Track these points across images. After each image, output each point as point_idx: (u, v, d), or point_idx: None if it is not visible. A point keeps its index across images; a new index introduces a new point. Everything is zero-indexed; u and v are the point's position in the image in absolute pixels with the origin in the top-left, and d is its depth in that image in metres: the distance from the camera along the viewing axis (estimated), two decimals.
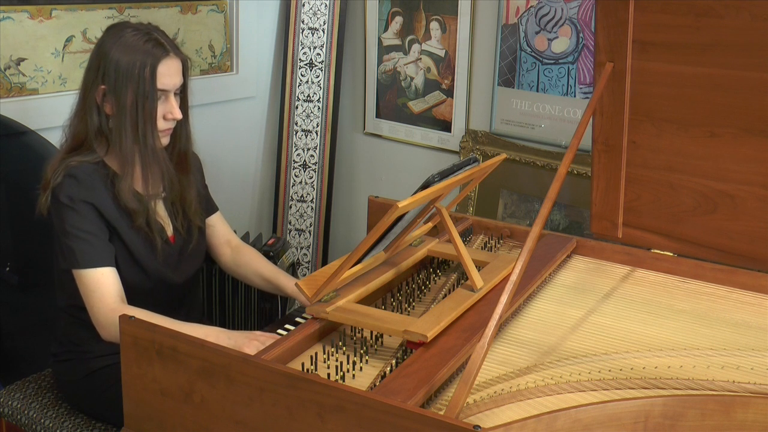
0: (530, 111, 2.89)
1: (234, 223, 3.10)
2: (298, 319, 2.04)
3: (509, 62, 2.90)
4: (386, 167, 3.39)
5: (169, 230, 2.05)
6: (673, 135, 1.89)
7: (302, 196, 3.41)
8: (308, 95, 3.34)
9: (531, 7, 2.81)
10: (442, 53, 3.09)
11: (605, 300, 1.83)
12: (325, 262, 3.45)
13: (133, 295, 1.92)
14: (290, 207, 3.43)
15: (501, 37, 2.90)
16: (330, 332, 1.67)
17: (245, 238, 2.60)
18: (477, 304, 1.69)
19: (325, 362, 1.56)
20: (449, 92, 3.10)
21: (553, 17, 2.78)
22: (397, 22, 3.19)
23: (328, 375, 1.49)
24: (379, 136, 3.36)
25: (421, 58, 3.16)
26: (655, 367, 1.51)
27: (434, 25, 3.09)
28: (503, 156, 1.92)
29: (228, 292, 2.49)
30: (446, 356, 1.48)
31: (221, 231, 2.25)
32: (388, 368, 1.51)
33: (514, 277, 1.41)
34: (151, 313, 1.84)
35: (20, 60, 2.57)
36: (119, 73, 1.87)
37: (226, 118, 3.27)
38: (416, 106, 3.22)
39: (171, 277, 2.03)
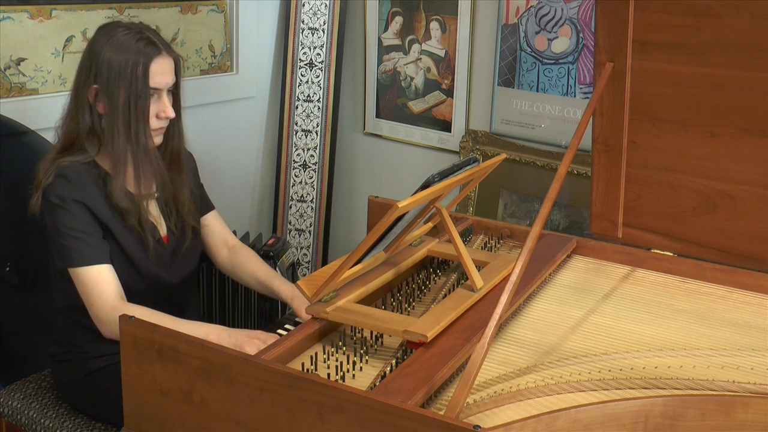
0: (530, 111, 2.89)
1: (234, 223, 3.11)
2: (297, 319, 2.04)
3: (509, 62, 2.90)
4: (386, 167, 3.39)
5: (163, 230, 2.05)
6: (673, 135, 1.89)
7: (302, 196, 3.41)
8: (308, 95, 3.34)
9: (531, 7, 2.81)
10: (442, 53, 3.09)
11: (605, 300, 1.83)
12: (325, 262, 3.45)
13: (127, 295, 1.92)
14: (290, 207, 3.43)
15: (501, 37, 2.90)
16: (330, 332, 1.67)
17: (245, 238, 2.60)
18: (477, 304, 1.69)
19: (325, 362, 1.56)
20: (449, 92, 3.10)
21: (553, 17, 2.78)
22: (397, 22, 3.19)
23: (328, 375, 1.49)
24: (379, 136, 3.36)
25: (421, 58, 3.16)
26: (655, 367, 1.51)
27: (434, 25, 3.09)
28: (503, 156, 1.92)
29: (228, 292, 2.49)
30: (446, 356, 1.48)
31: (217, 230, 2.23)
32: (388, 368, 1.51)
33: (514, 277, 1.41)
34: (151, 311, 1.84)
35: (20, 60, 2.57)
36: (112, 73, 1.87)
37: (226, 118, 3.27)
38: (416, 106, 3.22)
39: (165, 277, 2.03)
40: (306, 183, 3.40)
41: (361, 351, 1.59)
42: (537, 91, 2.86)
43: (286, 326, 2.01)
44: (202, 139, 3.16)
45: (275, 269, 2.39)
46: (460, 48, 3.02)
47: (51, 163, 1.93)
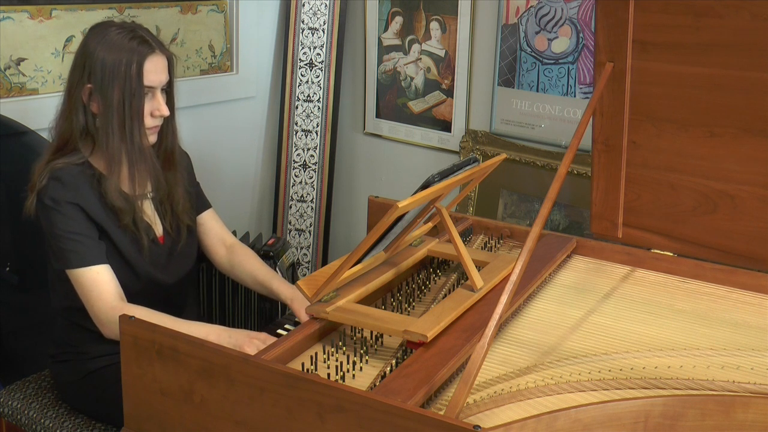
0: (530, 111, 2.89)
1: (234, 223, 3.11)
2: (297, 320, 2.04)
3: (509, 62, 2.90)
4: (386, 167, 3.39)
5: (159, 230, 2.05)
6: (673, 135, 1.89)
7: (302, 196, 3.41)
8: (308, 95, 3.34)
9: (531, 7, 2.81)
10: (442, 53, 3.09)
11: (605, 300, 1.83)
12: (325, 262, 3.45)
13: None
14: (290, 207, 3.43)
15: (501, 37, 2.90)
16: (330, 332, 1.67)
17: (245, 238, 2.60)
18: (477, 304, 1.69)
19: (325, 362, 1.56)
20: (449, 92, 3.10)
21: (553, 17, 2.78)
22: (397, 22, 3.19)
23: (328, 375, 1.49)
24: (379, 136, 3.36)
25: (421, 58, 3.16)
26: (655, 367, 1.51)
27: (434, 25, 3.09)
28: (503, 156, 1.92)
29: (228, 292, 2.49)
30: (446, 356, 1.48)
31: (213, 229, 2.22)
32: (388, 368, 1.51)
33: (514, 277, 1.41)
34: (151, 311, 1.84)
35: (20, 60, 2.57)
36: (105, 72, 1.87)
37: (226, 118, 3.27)
38: (416, 106, 3.22)
39: (161, 277, 2.02)
40: (306, 183, 3.40)
41: (361, 351, 1.59)
42: (537, 91, 2.86)
43: (286, 326, 2.00)
44: (202, 139, 3.16)
45: (275, 269, 2.39)
46: (460, 48, 3.02)
47: (45, 164, 1.92)
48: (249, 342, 1.73)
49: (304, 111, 3.35)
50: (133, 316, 1.49)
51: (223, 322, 2.51)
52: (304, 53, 3.32)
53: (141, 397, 1.49)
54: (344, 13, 3.30)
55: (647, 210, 1.99)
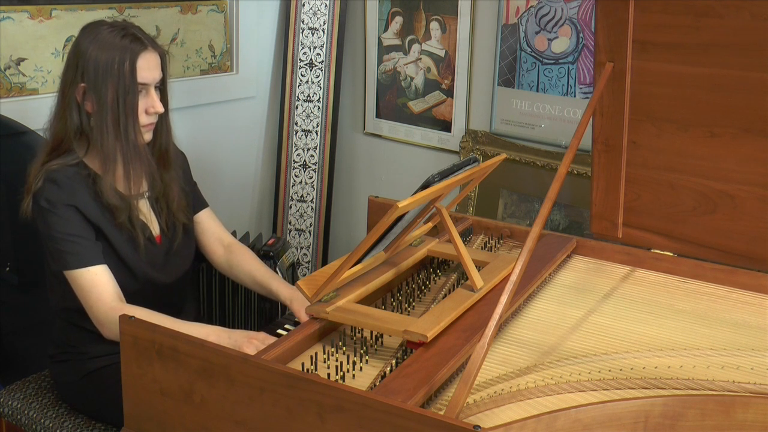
0: (530, 111, 2.89)
1: (234, 223, 3.11)
2: (297, 320, 2.04)
3: (509, 62, 2.90)
4: (386, 167, 3.39)
5: (155, 230, 2.04)
6: (673, 135, 1.89)
7: (302, 196, 3.41)
8: (308, 95, 3.34)
9: (531, 7, 2.81)
10: (442, 53, 3.09)
11: (605, 300, 1.83)
12: (325, 262, 3.45)
13: None
14: (290, 207, 3.43)
15: (501, 37, 2.90)
16: (330, 332, 1.67)
17: (245, 238, 2.60)
18: (477, 304, 1.69)
19: (325, 362, 1.56)
20: (449, 92, 3.10)
21: (553, 17, 2.78)
22: (397, 22, 3.19)
23: (328, 375, 1.49)
24: (379, 136, 3.36)
25: (421, 58, 3.16)
26: (655, 367, 1.51)
27: (434, 25, 3.09)
28: (503, 156, 1.92)
29: (228, 292, 2.49)
30: (446, 356, 1.48)
31: (211, 228, 2.22)
32: (388, 368, 1.51)
33: (514, 277, 1.41)
34: (151, 312, 1.84)
35: (20, 60, 2.57)
36: (99, 70, 1.87)
37: (226, 118, 3.27)
38: (416, 106, 3.22)
39: (158, 277, 2.02)
40: (306, 183, 3.40)
41: (361, 351, 1.59)
42: (537, 91, 2.86)
43: (286, 326, 2.01)
44: (202, 139, 3.17)
45: (275, 269, 2.39)
46: (460, 48, 3.02)
47: (40, 166, 1.92)
48: (248, 342, 1.73)
49: (304, 111, 3.35)
50: (133, 317, 1.49)
51: (222, 323, 2.51)
52: (304, 53, 3.32)
53: (141, 397, 1.49)
54: (344, 13, 3.30)
55: (647, 210, 1.99)
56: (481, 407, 1.38)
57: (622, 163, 1.97)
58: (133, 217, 1.96)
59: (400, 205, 1.45)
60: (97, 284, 1.87)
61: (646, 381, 1.46)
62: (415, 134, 3.24)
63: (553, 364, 1.52)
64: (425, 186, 1.60)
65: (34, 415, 2.06)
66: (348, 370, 1.52)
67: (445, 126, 3.13)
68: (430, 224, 2.01)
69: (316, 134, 3.36)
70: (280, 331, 1.96)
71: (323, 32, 3.30)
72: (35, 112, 2.54)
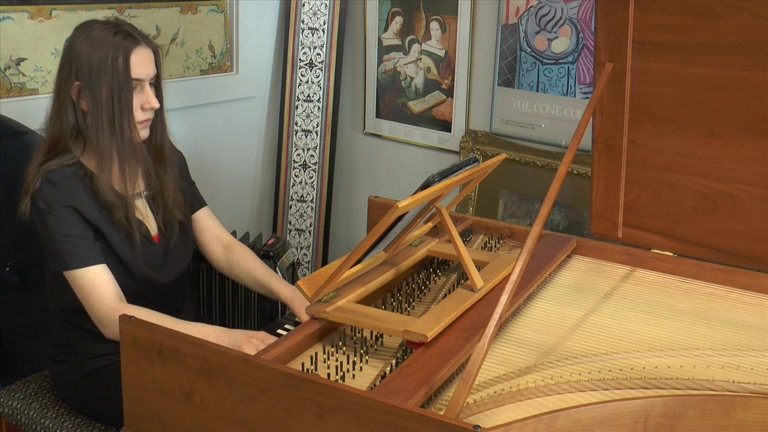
0: (530, 111, 2.89)
1: (234, 223, 3.11)
2: (297, 320, 2.04)
3: (509, 62, 2.90)
4: (386, 167, 3.39)
5: (153, 228, 2.04)
6: (673, 135, 1.89)
7: (302, 196, 3.41)
8: (308, 95, 3.34)
9: (531, 7, 2.81)
10: (442, 53, 3.09)
11: (605, 300, 1.83)
12: (325, 262, 3.45)
13: None
14: (290, 207, 3.43)
15: (501, 37, 2.90)
16: (330, 332, 1.67)
17: (245, 238, 2.60)
18: (477, 304, 1.69)
19: (325, 362, 1.56)
20: (449, 92, 3.10)
21: (553, 17, 2.78)
22: (397, 22, 3.19)
23: (328, 375, 1.49)
24: (379, 136, 3.36)
25: (421, 58, 3.16)
26: (655, 367, 1.51)
27: (434, 25, 3.09)
28: (503, 156, 1.92)
29: (228, 292, 2.49)
30: (446, 356, 1.48)
31: (209, 227, 2.22)
32: (388, 368, 1.51)
33: (514, 277, 1.41)
34: (151, 312, 1.83)
35: (20, 60, 2.57)
36: (92, 68, 1.87)
37: (226, 118, 3.27)
38: (416, 106, 3.22)
39: (156, 277, 2.02)
40: (306, 183, 3.40)
41: (361, 351, 1.59)
42: (537, 91, 2.86)
43: (286, 326, 2.01)
44: (203, 139, 3.17)
45: (275, 269, 2.39)
46: (460, 48, 3.02)
47: (38, 167, 1.92)
48: (248, 342, 1.73)
49: (304, 111, 3.35)
50: (133, 317, 1.49)
51: (222, 323, 2.51)
52: (304, 53, 3.32)
53: (141, 397, 1.49)
54: (344, 13, 3.30)
55: (647, 210, 1.99)
56: (481, 407, 1.38)
57: (622, 163, 1.97)
58: (129, 214, 1.96)
59: (400, 205, 1.45)
60: (97, 284, 1.87)
61: (646, 381, 1.46)
62: (415, 134, 3.24)
63: (553, 364, 1.52)
64: (425, 186, 1.60)
65: (34, 415, 2.06)
66: (348, 370, 1.52)
67: (445, 126, 3.13)
68: (430, 224, 2.01)
69: (316, 134, 3.36)
70: (280, 331, 1.97)
71: (323, 32, 3.30)
72: (35, 112, 2.53)
